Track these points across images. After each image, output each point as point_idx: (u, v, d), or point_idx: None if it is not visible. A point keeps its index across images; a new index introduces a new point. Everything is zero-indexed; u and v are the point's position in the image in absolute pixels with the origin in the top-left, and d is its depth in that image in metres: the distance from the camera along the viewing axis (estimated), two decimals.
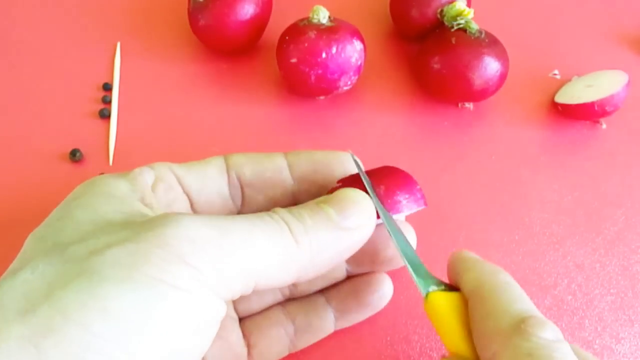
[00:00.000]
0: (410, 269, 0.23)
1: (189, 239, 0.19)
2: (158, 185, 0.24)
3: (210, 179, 0.25)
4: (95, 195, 0.22)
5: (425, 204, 0.25)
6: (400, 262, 0.27)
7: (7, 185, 0.32)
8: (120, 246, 0.18)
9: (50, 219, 0.22)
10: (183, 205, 0.25)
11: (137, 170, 0.24)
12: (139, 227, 0.20)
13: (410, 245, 0.24)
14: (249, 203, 0.26)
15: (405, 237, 0.24)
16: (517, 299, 0.21)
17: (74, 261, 0.18)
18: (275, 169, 0.26)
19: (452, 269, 0.24)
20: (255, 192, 0.26)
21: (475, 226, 0.33)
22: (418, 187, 0.25)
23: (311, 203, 0.23)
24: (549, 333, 0.20)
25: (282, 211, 0.22)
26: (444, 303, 0.22)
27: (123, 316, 0.17)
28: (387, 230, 0.24)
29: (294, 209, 0.22)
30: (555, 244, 0.32)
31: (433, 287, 0.23)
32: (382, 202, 0.24)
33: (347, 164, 0.27)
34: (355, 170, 0.26)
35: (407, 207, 0.24)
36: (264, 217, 0.21)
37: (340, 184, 0.25)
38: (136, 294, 0.17)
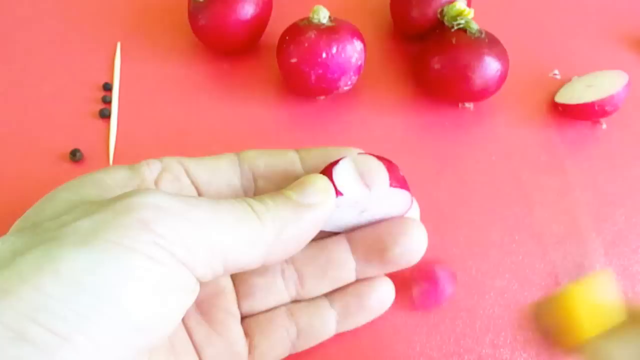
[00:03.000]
0: None
1: (155, 207, 0.19)
2: (163, 176, 0.25)
3: (220, 170, 0.26)
4: (86, 181, 0.23)
5: (399, 186, 0.25)
6: (407, 262, 0.27)
7: (7, 185, 0.32)
8: (87, 217, 0.19)
9: (37, 202, 0.22)
10: None
11: (144, 161, 0.25)
12: (110, 200, 0.20)
13: None
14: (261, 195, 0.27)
15: None
16: None
17: (42, 233, 0.19)
18: (288, 161, 0.27)
19: None
20: (268, 184, 0.26)
21: (475, 226, 0.33)
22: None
23: (272, 191, 0.24)
24: None
25: (245, 198, 0.23)
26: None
27: (74, 277, 0.17)
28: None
29: (257, 196, 0.23)
30: (555, 244, 0.32)
31: None
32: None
33: None
34: None
35: None
36: (229, 199, 0.22)
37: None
38: (89, 256, 0.18)
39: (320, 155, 0.27)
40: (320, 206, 0.23)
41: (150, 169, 0.25)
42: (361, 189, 0.25)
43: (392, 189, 0.25)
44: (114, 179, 0.23)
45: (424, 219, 0.28)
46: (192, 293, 0.21)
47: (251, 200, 0.22)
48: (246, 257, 0.22)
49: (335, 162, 0.25)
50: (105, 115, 0.35)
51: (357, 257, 0.27)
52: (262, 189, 0.26)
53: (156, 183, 0.24)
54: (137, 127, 0.35)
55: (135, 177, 0.24)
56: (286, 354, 0.27)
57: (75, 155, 0.33)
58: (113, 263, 0.18)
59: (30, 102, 0.36)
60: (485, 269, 0.31)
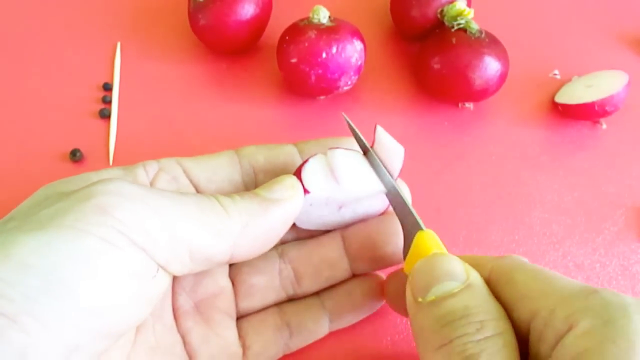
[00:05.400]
0: (414, 212, 0.25)
1: (116, 193, 0.19)
2: (160, 176, 0.25)
3: (220, 167, 0.26)
4: (75, 180, 0.23)
5: None
6: (399, 259, 0.27)
7: (7, 185, 0.32)
8: (50, 207, 0.19)
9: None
10: None
11: (140, 163, 0.25)
12: (75, 190, 0.20)
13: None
14: None
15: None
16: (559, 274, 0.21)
17: (8, 224, 0.19)
18: (287, 154, 0.27)
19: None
20: (268, 177, 0.26)
21: (475, 226, 0.33)
22: None
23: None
24: None
25: (214, 194, 0.23)
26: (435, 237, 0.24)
27: (23, 260, 0.17)
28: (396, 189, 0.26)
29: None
30: (555, 244, 0.32)
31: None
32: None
33: (355, 147, 0.27)
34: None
35: None
36: (195, 193, 0.22)
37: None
38: (40, 240, 0.18)
39: (318, 145, 0.27)
40: (287, 201, 0.23)
41: (146, 170, 0.24)
42: (330, 185, 0.25)
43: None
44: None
45: (424, 219, 0.28)
46: (153, 280, 0.20)
47: (219, 196, 0.23)
48: (212, 248, 0.21)
49: (306, 161, 0.25)
50: (105, 115, 0.35)
51: (349, 255, 0.27)
52: (263, 182, 0.26)
53: (152, 184, 0.24)
54: (137, 127, 0.35)
55: (127, 177, 0.24)
56: (280, 354, 0.27)
57: (75, 155, 0.33)
58: (63, 245, 0.18)
59: (30, 102, 0.36)
60: None
